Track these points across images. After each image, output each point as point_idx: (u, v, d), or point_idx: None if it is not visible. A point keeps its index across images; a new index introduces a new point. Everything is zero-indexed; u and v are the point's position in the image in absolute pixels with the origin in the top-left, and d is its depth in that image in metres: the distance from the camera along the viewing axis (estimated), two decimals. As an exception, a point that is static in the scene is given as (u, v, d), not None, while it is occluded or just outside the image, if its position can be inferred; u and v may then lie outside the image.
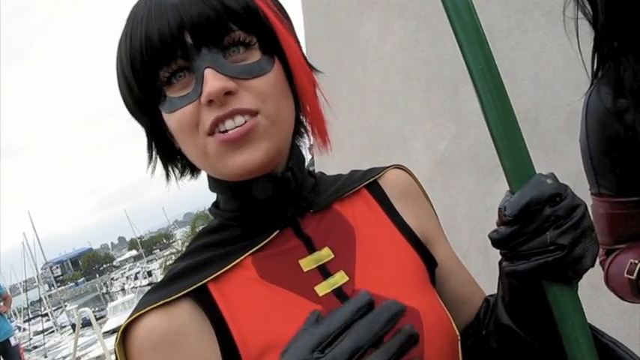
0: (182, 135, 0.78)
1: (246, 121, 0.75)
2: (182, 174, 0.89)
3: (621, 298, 1.34)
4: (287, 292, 0.80)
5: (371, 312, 0.58)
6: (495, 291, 0.84)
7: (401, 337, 0.58)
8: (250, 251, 0.82)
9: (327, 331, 0.57)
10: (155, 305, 0.77)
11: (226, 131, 0.75)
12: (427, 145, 2.82)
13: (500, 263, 0.76)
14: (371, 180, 0.94)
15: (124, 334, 0.77)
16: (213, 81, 0.73)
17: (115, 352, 0.77)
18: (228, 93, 0.74)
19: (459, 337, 0.84)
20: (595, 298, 2.27)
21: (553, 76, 2.35)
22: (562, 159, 2.32)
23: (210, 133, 0.76)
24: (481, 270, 2.37)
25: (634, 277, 1.22)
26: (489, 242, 0.74)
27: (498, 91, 0.70)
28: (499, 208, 0.71)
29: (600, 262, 1.36)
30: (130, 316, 0.78)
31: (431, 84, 2.72)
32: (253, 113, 0.75)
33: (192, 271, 0.81)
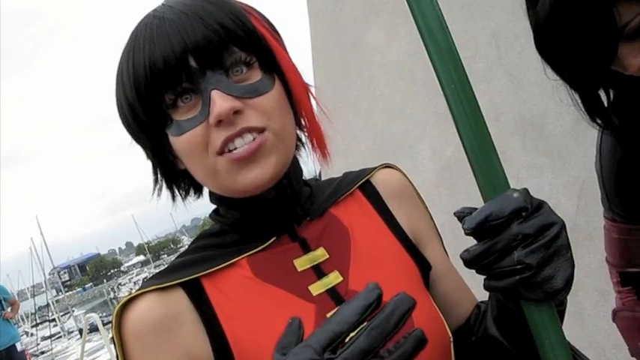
0: (191, 156, 0.80)
1: (254, 139, 0.77)
2: (187, 194, 0.91)
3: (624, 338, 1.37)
4: (281, 291, 0.82)
5: (383, 309, 0.56)
6: None
7: (412, 343, 0.56)
8: (247, 253, 0.85)
9: (339, 329, 0.55)
10: (149, 289, 0.79)
11: (235, 149, 0.77)
12: (433, 151, 2.82)
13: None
14: (363, 180, 0.95)
15: (120, 320, 0.79)
16: (221, 102, 0.75)
17: (114, 339, 0.78)
18: (236, 112, 0.76)
19: (451, 340, 0.85)
20: (602, 304, 2.26)
21: (559, 82, 2.34)
22: (568, 164, 2.31)
23: (220, 153, 0.77)
24: (488, 276, 2.35)
25: None
26: None
27: (472, 111, 0.70)
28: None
29: (614, 284, 1.39)
30: (124, 298, 0.80)
31: (437, 89, 2.70)
32: (260, 130, 0.78)
33: (188, 265, 0.84)
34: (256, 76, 0.80)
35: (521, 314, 0.72)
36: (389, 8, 2.94)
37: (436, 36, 0.70)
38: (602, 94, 1.18)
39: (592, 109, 1.14)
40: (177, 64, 0.76)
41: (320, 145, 0.89)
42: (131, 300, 0.79)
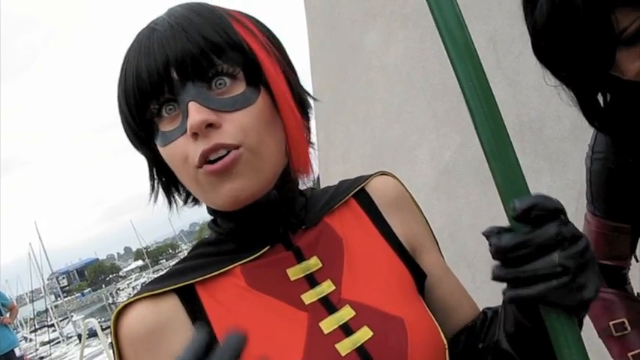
0: (175, 166, 0.81)
1: (228, 152, 0.77)
2: (185, 202, 0.92)
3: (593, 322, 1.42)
4: (274, 300, 0.83)
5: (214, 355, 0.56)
6: (499, 302, 0.84)
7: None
8: (241, 262, 0.85)
9: None
10: (143, 295, 0.81)
11: (212, 162, 0.77)
12: (432, 155, 2.82)
13: (503, 292, 0.73)
14: (358, 189, 0.95)
15: (116, 327, 0.81)
16: (194, 114, 0.76)
17: (112, 345, 0.81)
18: (211, 125, 0.77)
19: (446, 346, 0.85)
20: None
21: (557, 85, 2.35)
22: (567, 168, 2.31)
23: (200, 166, 0.78)
24: (486, 280, 2.35)
25: None
26: None
27: (490, 108, 0.70)
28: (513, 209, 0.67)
29: None
30: (120, 305, 0.82)
31: (435, 94, 2.73)
32: (235, 147, 0.77)
33: (183, 272, 0.85)
34: (239, 88, 0.80)
35: (537, 332, 0.71)
36: (386, 12, 2.95)
37: (454, 33, 0.71)
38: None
39: (590, 112, 1.15)
40: (159, 76, 0.78)
41: (302, 162, 0.87)
42: (126, 307, 0.81)
